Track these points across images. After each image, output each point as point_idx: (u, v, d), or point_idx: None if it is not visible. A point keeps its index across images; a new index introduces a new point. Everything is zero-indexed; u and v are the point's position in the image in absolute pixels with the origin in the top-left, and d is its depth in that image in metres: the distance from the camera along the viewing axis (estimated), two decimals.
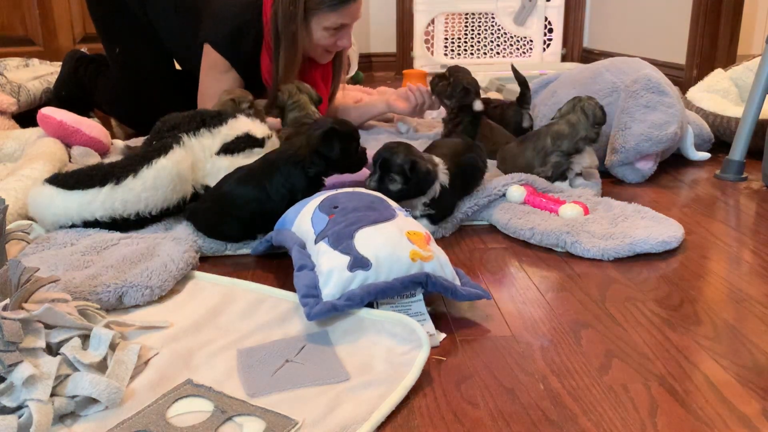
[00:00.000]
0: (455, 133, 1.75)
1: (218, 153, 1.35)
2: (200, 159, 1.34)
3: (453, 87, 1.75)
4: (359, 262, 0.89)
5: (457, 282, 0.96)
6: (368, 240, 0.92)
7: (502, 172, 1.51)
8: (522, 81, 1.82)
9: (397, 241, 0.93)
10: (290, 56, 1.70)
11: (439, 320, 0.94)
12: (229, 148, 1.36)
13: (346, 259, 0.90)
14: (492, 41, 3.72)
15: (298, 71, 1.75)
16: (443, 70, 1.81)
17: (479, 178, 1.36)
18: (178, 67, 2.09)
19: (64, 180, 1.21)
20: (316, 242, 0.96)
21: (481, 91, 1.85)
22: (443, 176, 1.22)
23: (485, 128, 1.73)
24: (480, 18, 3.67)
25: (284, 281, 1.07)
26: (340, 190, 1.08)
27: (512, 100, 1.94)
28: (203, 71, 1.80)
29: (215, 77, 1.78)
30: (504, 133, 1.72)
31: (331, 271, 0.90)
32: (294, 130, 1.57)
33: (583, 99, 1.45)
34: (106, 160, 1.57)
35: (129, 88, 2.02)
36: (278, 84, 1.72)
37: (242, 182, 1.21)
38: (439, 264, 0.94)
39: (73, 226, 1.20)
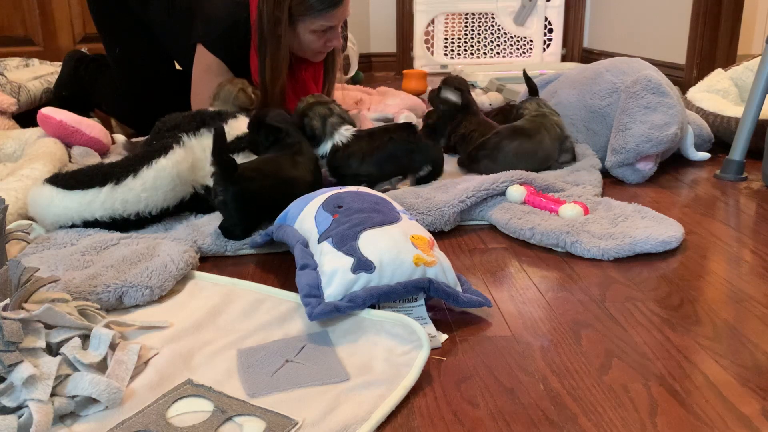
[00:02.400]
0: (459, 130, 1.75)
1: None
2: (200, 159, 1.33)
3: (451, 94, 1.78)
4: (363, 265, 0.89)
5: (459, 288, 0.96)
6: (372, 242, 0.92)
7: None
8: (533, 88, 1.83)
9: (401, 244, 0.93)
10: (276, 58, 1.69)
11: (439, 320, 0.94)
12: (230, 149, 1.36)
13: (349, 261, 0.90)
14: (492, 41, 3.72)
15: (286, 72, 1.74)
16: (443, 70, 1.83)
17: (403, 160, 1.44)
18: (178, 66, 2.08)
19: (64, 180, 1.22)
20: (319, 241, 0.96)
21: (480, 91, 1.87)
22: (339, 137, 1.41)
23: (483, 126, 1.72)
24: (480, 18, 3.68)
25: (284, 281, 1.07)
26: (343, 189, 1.08)
27: (514, 102, 1.93)
28: (196, 74, 1.79)
29: (210, 80, 1.77)
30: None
31: (335, 271, 0.90)
32: None
33: (537, 99, 1.68)
34: (106, 160, 1.57)
35: (129, 87, 2.02)
36: (266, 85, 1.71)
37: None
38: (442, 269, 0.94)
39: (73, 226, 1.20)
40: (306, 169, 1.29)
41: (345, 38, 2.06)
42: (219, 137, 1.14)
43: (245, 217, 1.19)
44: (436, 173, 1.48)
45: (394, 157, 1.42)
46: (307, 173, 1.29)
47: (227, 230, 1.19)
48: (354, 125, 1.49)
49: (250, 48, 1.75)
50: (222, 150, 1.15)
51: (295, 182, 1.24)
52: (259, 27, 1.68)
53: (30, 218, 1.25)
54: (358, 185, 1.35)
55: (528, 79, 1.80)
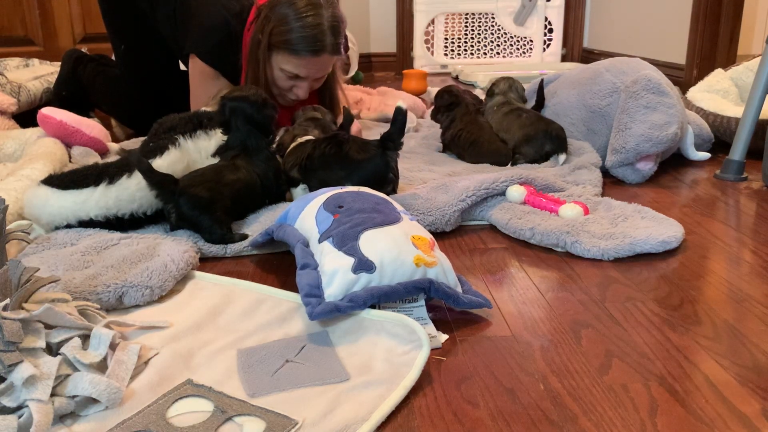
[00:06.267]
0: (451, 129, 1.75)
1: (214, 155, 1.35)
2: (196, 160, 1.34)
3: (437, 100, 1.81)
4: (363, 265, 0.89)
5: (459, 289, 0.96)
6: (373, 243, 0.92)
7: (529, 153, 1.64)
8: (540, 101, 1.84)
9: (402, 245, 0.93)
10: (255, 79, 1.66)
11: (439, 320, 0.94)
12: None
13: (350, 261, 0.90)
14: (492, 41, 3.72)
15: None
16: (443, 70, 1.83)
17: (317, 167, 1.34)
18: (182, 67, 2.08)
19: (59, 180, 1.22)
20: (320, 241, 0.96)
21: (480, 91, 1.87)
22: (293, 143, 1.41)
23: (472, 126, 1.72)
24: (480, 18, 3.68)
25: (285, 281, 1.07)
26: (344, 189, 1.08)
27: None
28: (193, 79, 1.79)
29: (206, 83, 1.76)
30: (497, 136, 1.72)
31: (335, 271, 0.90)
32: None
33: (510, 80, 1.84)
34: (106, 160, 1.57)
35: (131, 87, 2.02)
36: None
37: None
38: (443, 270, 0.94)
39: (68, 226, 1.20)
40: (248, 171, 1.28)
41: (345, 39, 2.03)
42: (144, 172, 1.16)
43: (209, 217, 1.17)
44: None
45: (314, 169, 1.34)
46: (250, 175, 1.28)
47: (212, 239, 1.18)
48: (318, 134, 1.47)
49: (242, 59, 1.74)
50: (152, 175, 1.17)
51: (237, 184, 1.24)
52: (250, 42, 1.67)
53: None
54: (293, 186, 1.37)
55: (540, 91, 1.81)
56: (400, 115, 1.28)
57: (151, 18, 1.92)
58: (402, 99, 2.35)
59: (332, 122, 1.60)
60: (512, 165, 1.64)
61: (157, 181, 1.17)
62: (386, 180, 1.31)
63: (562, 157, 1.60)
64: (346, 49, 1.95)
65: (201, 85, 1.78)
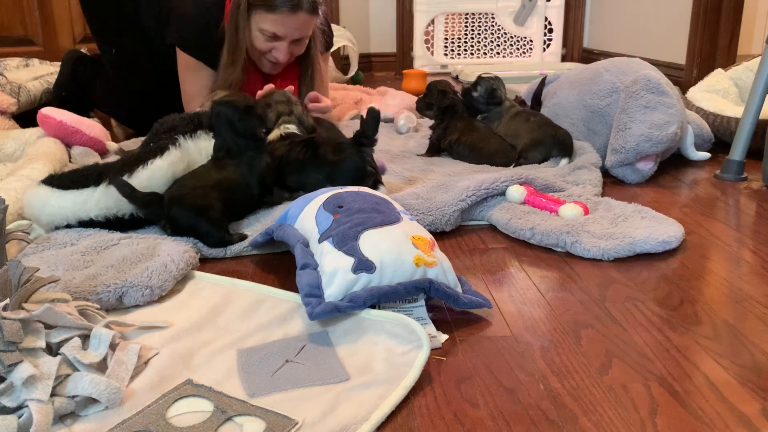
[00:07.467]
0: (447, 137, 1.73)
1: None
2: (196, 161, 1.34)
3: (428, 95, 1.78)
4: (363, 265, 0.89)
5: (459, 289, 0.96)
6: (373, 243, 0.92)
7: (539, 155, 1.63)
8: (538, 95, 1.84)
9: (402, 245, 0.93)
10: (233, 46, 1.67)
11: (439, 320, 0.94)
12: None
13: (350, 261, 0.90)
14: (492, 41, 3.72)
15: (241, 65, 1.71)
16: (443, 70, 1.82)
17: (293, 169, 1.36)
18: None
19: (59, 180, 1.22)
20: (319, 241, 0.96)
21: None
22: (274, 133, 1.41)
23: (469, 131, 1.71)
24: (480, 18, 3.68)
25: (284, 281, 1.07)
26: (344, 189, 1.08)
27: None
28: (180, 72, 1.82)
29: (193, 75, 1.79)
30: (496, 136, 1.71)
31: (335, 271, 0.90)
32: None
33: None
34: (106, 160, 1.57)
35: (126, 89, 2.02)
36: (223, 75, 1.69)
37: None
38: (443, 270, 0.94)
39: (68, 226, 1.20)
40: (233, 171, 1.26)
41: (330, 36, 2.02)
42: (128, 197, 1.16)
43: (206, 221, 1.17)
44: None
45: (288, 172, 1.34)
46: (235, 174, 1.26)
47: (211, 242, 1.17)
48: (306, 128, 1.46)
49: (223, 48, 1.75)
50: (137, 197, 1.17)
51: (225, 182, 1.23)
52: (231, 7, 1.68)
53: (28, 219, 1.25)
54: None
55: (541, 85, 1.80)
56: (372, 114, 1.29)
57: (135, 19, 1.92)
58: (400, 98, 2.35)
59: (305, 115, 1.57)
60: (515, 167, 1.64)
61: (144, 201, 1.17)
62: (366, 174, 1.31)
63: (564, 160, 1.60)
64: (328, 24, 1.96)
65: (188, 78, 1.81)
